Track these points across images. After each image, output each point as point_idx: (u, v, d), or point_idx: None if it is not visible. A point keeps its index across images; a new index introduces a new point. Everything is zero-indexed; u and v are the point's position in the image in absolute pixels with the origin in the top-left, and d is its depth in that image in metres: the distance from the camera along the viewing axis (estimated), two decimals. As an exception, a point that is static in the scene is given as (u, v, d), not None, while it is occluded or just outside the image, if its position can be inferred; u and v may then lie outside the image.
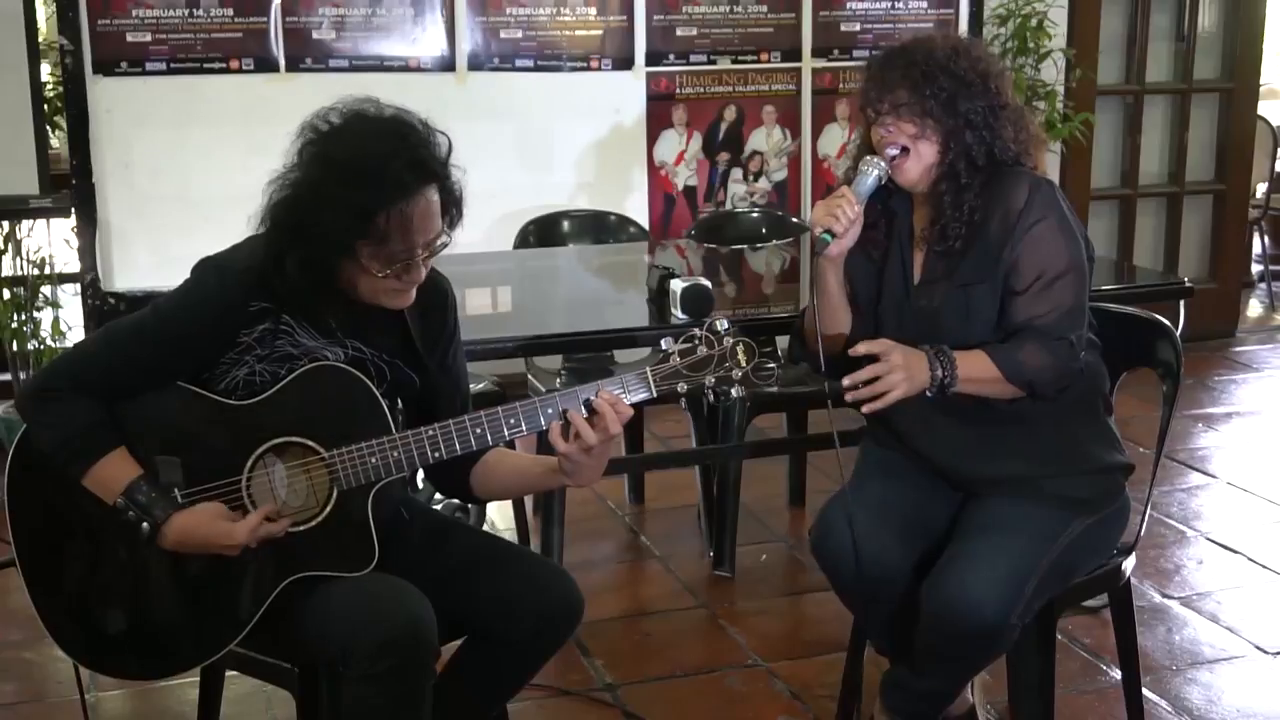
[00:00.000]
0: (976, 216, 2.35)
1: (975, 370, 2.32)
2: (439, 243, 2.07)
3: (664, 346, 2.08)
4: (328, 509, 2.09)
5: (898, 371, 2.27)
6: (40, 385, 2.10)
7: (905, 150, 2.36)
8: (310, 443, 2.09)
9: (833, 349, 2.43)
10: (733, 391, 2.06)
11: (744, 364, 2.06)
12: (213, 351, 2.09)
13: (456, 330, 2.30)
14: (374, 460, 2.07)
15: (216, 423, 2.09)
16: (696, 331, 2.07)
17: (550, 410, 2.07)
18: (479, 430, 2.07)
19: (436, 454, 2.08)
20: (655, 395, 2.07)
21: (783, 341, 3.95)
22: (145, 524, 2.04)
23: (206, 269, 2.11)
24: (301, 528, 2.09)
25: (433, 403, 2.23)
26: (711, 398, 2.06)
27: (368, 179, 1.98)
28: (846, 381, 2.29)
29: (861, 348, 2.29)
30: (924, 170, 2.38)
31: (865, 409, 2.29)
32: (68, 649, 2.14)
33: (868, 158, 2.39)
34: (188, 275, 2.12)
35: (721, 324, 2.07)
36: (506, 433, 2.09)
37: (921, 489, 2.48)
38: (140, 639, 2.13)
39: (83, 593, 2.12)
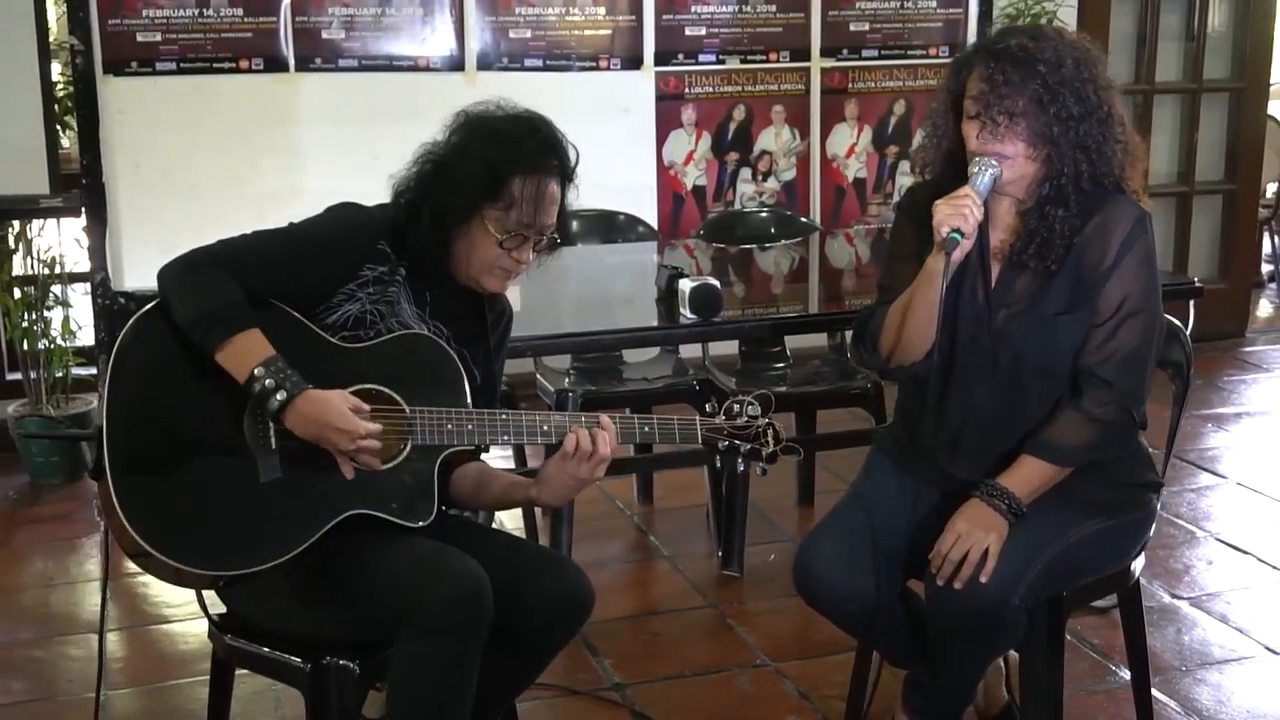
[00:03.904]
0: (1076, 239, 2.29)
1: (1031, 481, 2.31)
2: (551, 235, 2.26)
3: (708, 411, 2.29)
4: (398, 459, 2.20)
5: (975, 533, 2.25)
6: (189, 259, 2.15)
7: (1002, 159, 2.26)
8: (396, 395, 2.21)
9: (905, 358, 2.37)
10: (758, 469, 2.29)
11: (772, 445, 2.29)
12: (340, 273, 2.22)
13: (506, 346, 2.48)
14: (450, 426, 2.21)
15: (317, 355, 2.19)
16: (741, 402, 2.29)
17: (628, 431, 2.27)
18: (545, 428, 2.24)
19: (505, 437, 2.27)
20: (701, 445, 2.29)
21: (791, 341, 3.99)
22: (280, 394, 2.08)
23: (345, 204, 2.30)
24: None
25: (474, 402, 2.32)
26: (740, 464, 2.28)
27: (509, 144, 2.20)
28: (935, 570, 2.28)
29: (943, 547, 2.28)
30: (1018, 180, 2.29)
31: (961, 577, 2.25)
32: (136, 529, 2.07)
33: (980, 158, 2.26)
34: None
35: (761, 403, 2.28)
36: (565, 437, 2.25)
37: (919, 514, 2.42)
38: (206, 530, 2.12)
39: (163, 475, 2.11)
